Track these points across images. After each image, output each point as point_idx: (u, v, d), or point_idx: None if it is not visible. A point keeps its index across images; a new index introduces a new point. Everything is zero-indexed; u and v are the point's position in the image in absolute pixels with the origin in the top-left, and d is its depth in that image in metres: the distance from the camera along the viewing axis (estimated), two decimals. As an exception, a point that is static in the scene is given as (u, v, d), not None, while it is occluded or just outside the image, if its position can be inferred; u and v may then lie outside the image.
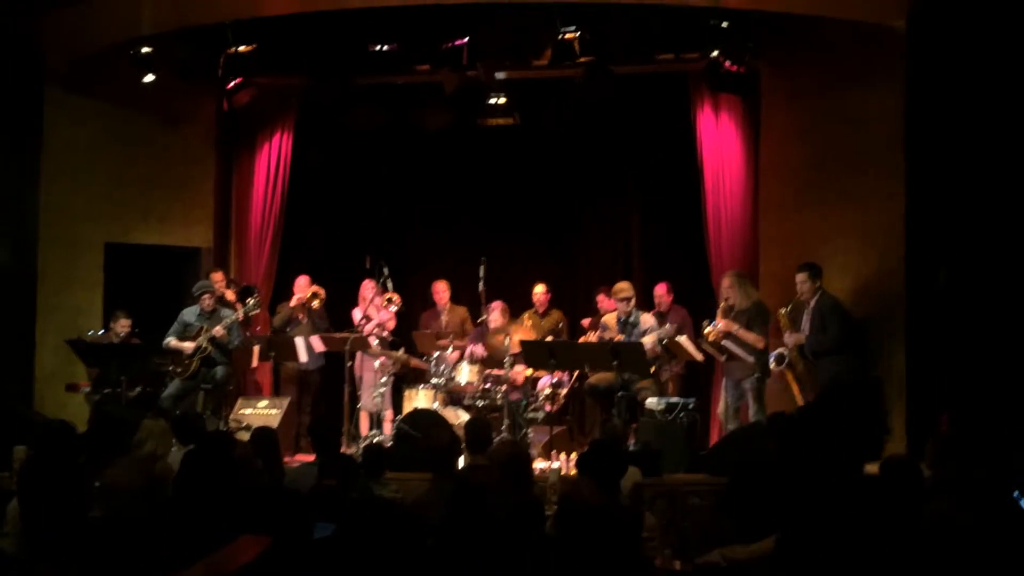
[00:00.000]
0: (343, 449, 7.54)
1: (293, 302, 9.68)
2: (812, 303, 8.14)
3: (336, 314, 9.90)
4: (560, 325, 9.92)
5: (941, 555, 3.53)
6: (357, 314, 9.59)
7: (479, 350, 9.27)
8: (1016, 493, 4.49)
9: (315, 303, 9.68)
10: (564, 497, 3.85)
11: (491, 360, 9.23)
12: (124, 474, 4.60)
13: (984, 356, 7.90)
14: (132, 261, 9.93)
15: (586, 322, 9.57)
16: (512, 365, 8.93)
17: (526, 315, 9.90)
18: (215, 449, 4.33)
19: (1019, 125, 7.80)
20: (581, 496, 3.76)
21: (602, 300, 9.66)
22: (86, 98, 9.73)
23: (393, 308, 9.51)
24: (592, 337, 9.02)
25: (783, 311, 8.26)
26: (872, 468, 5.85)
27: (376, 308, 9.56)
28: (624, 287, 8.84)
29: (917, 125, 8.17)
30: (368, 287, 9.54)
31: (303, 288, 9.74)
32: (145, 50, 9.16)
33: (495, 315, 9.30)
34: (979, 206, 7.95)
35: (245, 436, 6.81)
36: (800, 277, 8.13)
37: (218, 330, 8.77)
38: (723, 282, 8.66)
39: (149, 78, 9.29)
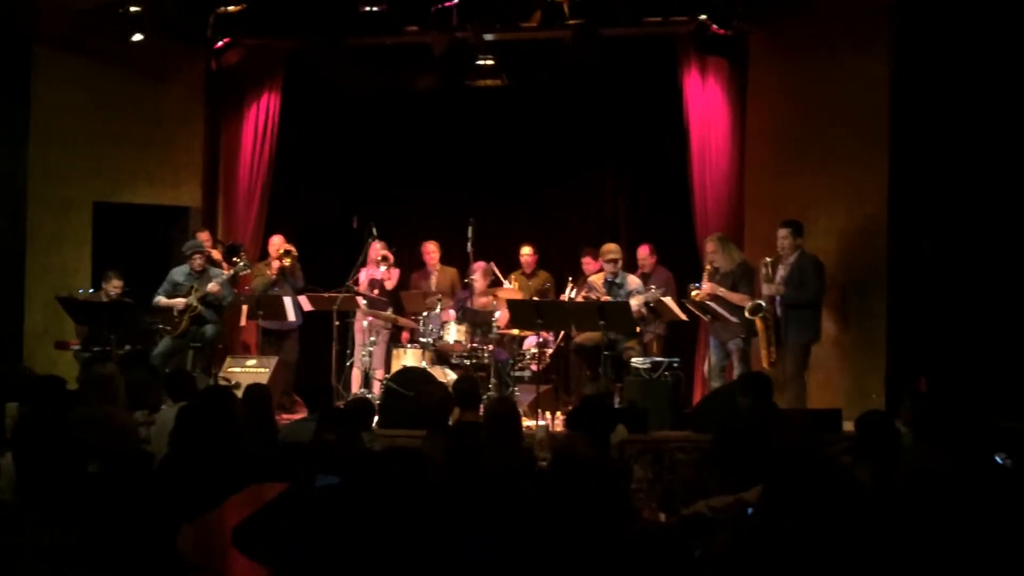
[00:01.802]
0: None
1: (273, 270, 9.56)
2: (792, 259, 8.18)
3: (323, 273, 9.89)
4: (547, 286, 10.00)
5: (920, 505, 3.66)
6: (363, 275, 9.63)
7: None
8: (997, 457, 4.62)
9: (287, 261, 9.62)
10: (557, 451, 3.95)
11: (478, 319, 9.34)
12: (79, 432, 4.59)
13: (963, 320, 8.07)
14: (120, 220, 9.94)
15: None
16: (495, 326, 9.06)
17: (513, 276, 9.99)
18: (216, 404, 4.41)
19: (1004, 95, 7.90)
20: (575, 450, 3.85)
21: (587, 263, 9.75)
22: (75, 58, 9.71)
23: (383, 267, 9.57)
24: (578, 298, 9.12)
25: (768, 260, 8.27)
26: (849, 426, 6.02)
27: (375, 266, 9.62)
28: (612, 248, 8.92)
29: (903, 91, 8.25)
30: (375, 248, 9.58)
31: (277, 248, 9.70)
32: (134, 9, 9.14)
33: (476, 276, 9.40)
34: (963, 173, 8.07)
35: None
36: (782, 232, 8.19)
37: (213, 286, 8.78)
38: (707, 246, 8.71)
39: (137, 38, 9.27)
